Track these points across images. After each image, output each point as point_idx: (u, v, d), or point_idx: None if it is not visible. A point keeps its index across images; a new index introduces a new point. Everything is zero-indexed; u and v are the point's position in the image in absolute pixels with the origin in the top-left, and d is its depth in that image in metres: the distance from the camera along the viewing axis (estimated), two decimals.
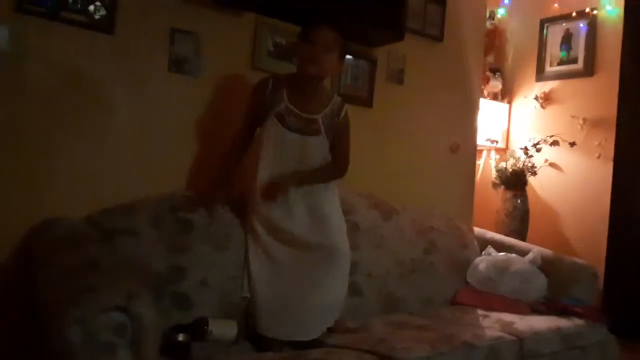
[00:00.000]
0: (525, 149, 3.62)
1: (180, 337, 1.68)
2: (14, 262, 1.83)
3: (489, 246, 2.81)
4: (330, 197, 2.15)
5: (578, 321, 2.31)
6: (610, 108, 3.42)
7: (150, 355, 1.40)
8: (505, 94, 4.02)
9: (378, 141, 2.77)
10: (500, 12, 4.02)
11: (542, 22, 3.82)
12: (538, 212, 3.64)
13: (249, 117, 2.08)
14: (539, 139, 3.62)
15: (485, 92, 3.87)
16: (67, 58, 1.94)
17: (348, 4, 2.32)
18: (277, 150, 2.03)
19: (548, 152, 3.63)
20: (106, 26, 1.99)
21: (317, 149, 2.08)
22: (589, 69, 3.56)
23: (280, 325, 1.86)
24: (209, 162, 2.19)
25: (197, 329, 1.75)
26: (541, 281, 2.55)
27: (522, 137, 3.82)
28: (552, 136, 3.58)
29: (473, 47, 3.17)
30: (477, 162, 3.61)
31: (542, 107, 3.78)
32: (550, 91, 3.76)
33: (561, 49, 3.73)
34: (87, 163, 1.99)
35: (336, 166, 2.15)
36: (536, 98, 3.80)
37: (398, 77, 2.84)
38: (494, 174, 3.74)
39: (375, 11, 2.43)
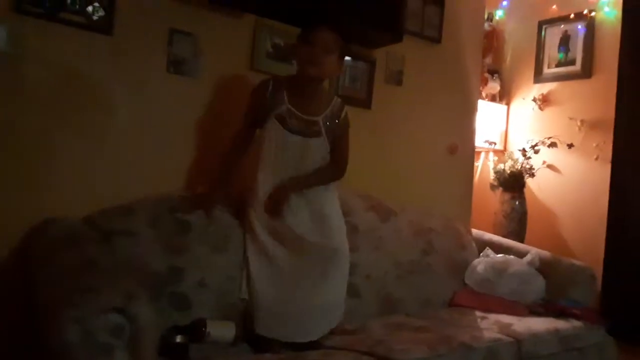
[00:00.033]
0: (523, 151, 3.62)
1: (178, 339, 1.68)
2: (13, 262, 1.82)
3: (487, 248, 2.81)
4: (330, 198, 2.16)
5: (576, 323, 2.31)
6: (608, 110, 3.43)
7: (148, 356, 1.40)
8: (504, 96, 4.02)
9: (376, 142, 2.77)
10: (499, 14, 4.03)
11: (540, 24, 3.82)
12: (536, 213, 3.65)
13: (249, 118, 2.08)
14: (537, 141, 3.62)
15: (484, 94, 3.87)
16: (66, 59, 1.94)
17: (347, 5, 2.32)
18: (278, 152, 2.03)
19: (546, 154, 3.63)
20: (104, 27, 1.99)
21: (318, 151, 2.08)
22: (587, 71, 3.56)
23: (279, 326, 1.86)
24: (207, 162, 2.19)
25: (195, 331, 1.75)
26: (539, 283, 2.55)
27: (520, 138, 3.83)
28: (550, 138, 3.59)
29: (471, 48, 3.17)
30: (476, 164, 3.62)
31: (540, 108, 3.79)
32: (548, 93, 3.77)
33: (559, 51, 3.73)
34: (85, 163, 1.99)
35: (335, 167, 2.15)
36: (534, 100, 3.81)
37: (397, 79, 2.84)
38: (492, 175, 3.74)
39: (374, 13, 2.43)
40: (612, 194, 3.40)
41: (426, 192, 2.96)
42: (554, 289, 2.53)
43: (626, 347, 2.70)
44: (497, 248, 2.82)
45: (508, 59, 4.04)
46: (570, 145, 3.52)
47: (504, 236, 3.20)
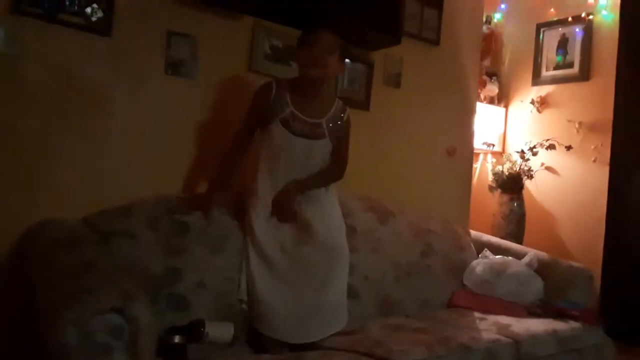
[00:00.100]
0: (522, 153, 3.62)
1: (177, 339, 1.67)
2: (12, 263, 1.83)
3: (486, 249, 2.82)
4: (330, 198, 2.17)
5: (574, 324, 2.31)
6: (606, 112, 3.44)
7: (147, 357, 1.40)
8: (502, 98, 4.03)
9: (375, 144, 2.77)
10: (497, 17, 4.04)
11: (539, 27, 3.83)
12: (534, 215, 3.65)
13: (251, 120, 2.08)
14: (536, 143, 3.63)
15: (482, 96, 3.88)
16: (64, 60, 1.94)
17: (345, 7, 2.33)
18: (282, 155, 2.03)
19: (544, 156, 3.64)
20: (103, 28, 2.00)
21: (321, 152, 2.09)
22: (585, 74, 3.57)
23: (280, 327, 1.86)
24: (205, 164, 2.19)
25: (194, 331, 1.74)
26: (537, 284, 2.55)
27: (519, 140, 3.83)
28: (548, 140, 3.59)
29: (470, 51, 3.18)
30: (474, 166, 3.63)
31: (539, 111, 3.80)
32: (547, 95, 3.78)
33: (557, 54, 3.74)
34: (84, 164, 1.99)
35: (336, 168, 2.16)
36: (532, 102, 3.81)
37: (395, 81, 2.85)
38: (490, 177, 3.74)
39: (373, 15, 2.44)
40: (610, 196, 3.40)
41: (425, 194, 2.96)
42: (553, 290, 2.53)
43: (624, 348, 2.70)
44: (496, 249, 2.82)
45: (506, 61, 4.05)
46: (568, 148, 3.53)
47: (502, 238, 3.20)
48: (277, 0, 2.23)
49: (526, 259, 2.64)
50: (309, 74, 2.00)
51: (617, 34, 3.43)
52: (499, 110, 3.98)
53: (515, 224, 3.55)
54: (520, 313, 2.37)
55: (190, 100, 2.21)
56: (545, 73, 3.80)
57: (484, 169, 3.94)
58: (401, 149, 2.89)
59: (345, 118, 2.14)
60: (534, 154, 3.61)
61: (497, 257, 2.73)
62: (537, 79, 3.84)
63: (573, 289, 2.52)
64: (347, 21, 2.32)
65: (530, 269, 2.60)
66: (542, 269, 2.61)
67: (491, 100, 3.97)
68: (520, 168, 3.61)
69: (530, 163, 3.62)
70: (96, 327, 1.29)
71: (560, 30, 3.71)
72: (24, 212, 1.85)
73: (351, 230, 2.31)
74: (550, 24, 3.77)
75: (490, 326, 2.21)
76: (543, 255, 2.71)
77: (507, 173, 3.62)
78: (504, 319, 2.27)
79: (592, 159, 3.50)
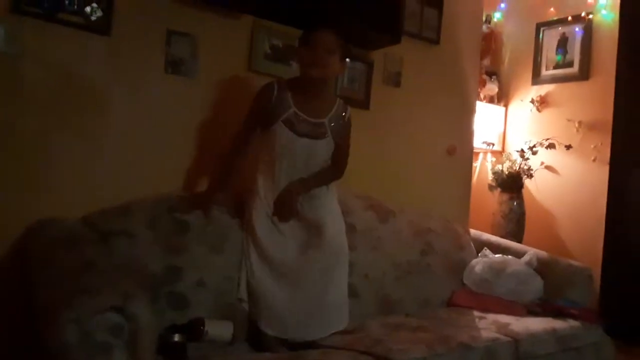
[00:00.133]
0: (522, 152, 3.63)
1: (176, 338, 1.68)
2: (12, 262, 1.83)
3: (485, 248, 2.82)
4: (330, 197, 2.17)
5: (573, 323, 2.32)
6: (605, 111, 3.44)
7: (146, 355, 1.40)
8: (502, 97, 4.03)
9: (375, 143, 2.78)
10: (497, 16, 4.03)
11: (538, 26, 3.83)
12: (534, 214, 3.65)
13: (252, 121, 2.08)
14: (535, 142, 3.63)
15: (482, 95, 3.88)
16: (64, 59, 1.94)
17: (345, 7, 2.33)
18: (285, 155, 2.03)
19: (544, 155, 3.64)
20: (103, 28, 2.00)
21: (323, 152, 2.09)
22: (585, 73, 3.57)
23: (281, 325, 1.87)
24: (205, 162, 2.19)
25: (193, 330, 1.75)
26: (537, 283, 2.56)
27: (519, 140, 3.83)
28: (548, 139, 3.59)
29: (469, 50, 3.18)
30: (474, 165, 3.63)
31: (538, 110, 3.80)
32: (546, 94, 3.78)
33: (557, 53, 3.74)
34: (84, 164, 1.99)
35: (336, 167, 2.17)
36: (532, 101, 3.81)
37: (395, 80, 2.85)
38: (490, 176, 3.74)
39: (373, 14, 2.44)
40: (610, 195, 3.40)
41: (425, 193, 2.96)
42: (552, 289, 2.53)
43: (623, 347, 2.71)
44: (495, 248, 2.82)
45: (506, 60, 4.05)
46: (568, 147, 3.53)
47: (502, 236, 3.20)
48: None
49: (526, 258, 2.64)
50: (310, 74, 2.00)
51: (616, 34, 3.43)
52: (498, 109, 3.98)
53: (514, 223, 3.55)
54: (519, 312, 2.38)
55: (190, 99, 2.21)
56: (545, 72, 3.80)
57: (483, 168, 3.94)
58: (401, 148, 2.90)
59: (346, 117, 2.14)
60: (534, 153, 3.61)
61: (497, 256, 2.74)
62: (536, 78, 3.84)
63: (572, 288, 2.52)
64: (347, 21, 2.32)
65: (529, 267, 2.60)
66: (541, 267, 2.62)
67: (491, 100, 3.97)
68: (520, 167, 3.61)
69: (530, 162, 3.62)
70: (96, 325, 1.29)
71: (560, 29, 3.71)
72: (24, 211, 1.85)
73: (351, 229, 2.31)
74: (550, 24, 3.77)
75: (489, 325, 2.21)
76: (543, 254, 2.71)
77: (506, 172, 3.62)
78: (504, 318, 2.28)
79: (592, 158, 3.50)
